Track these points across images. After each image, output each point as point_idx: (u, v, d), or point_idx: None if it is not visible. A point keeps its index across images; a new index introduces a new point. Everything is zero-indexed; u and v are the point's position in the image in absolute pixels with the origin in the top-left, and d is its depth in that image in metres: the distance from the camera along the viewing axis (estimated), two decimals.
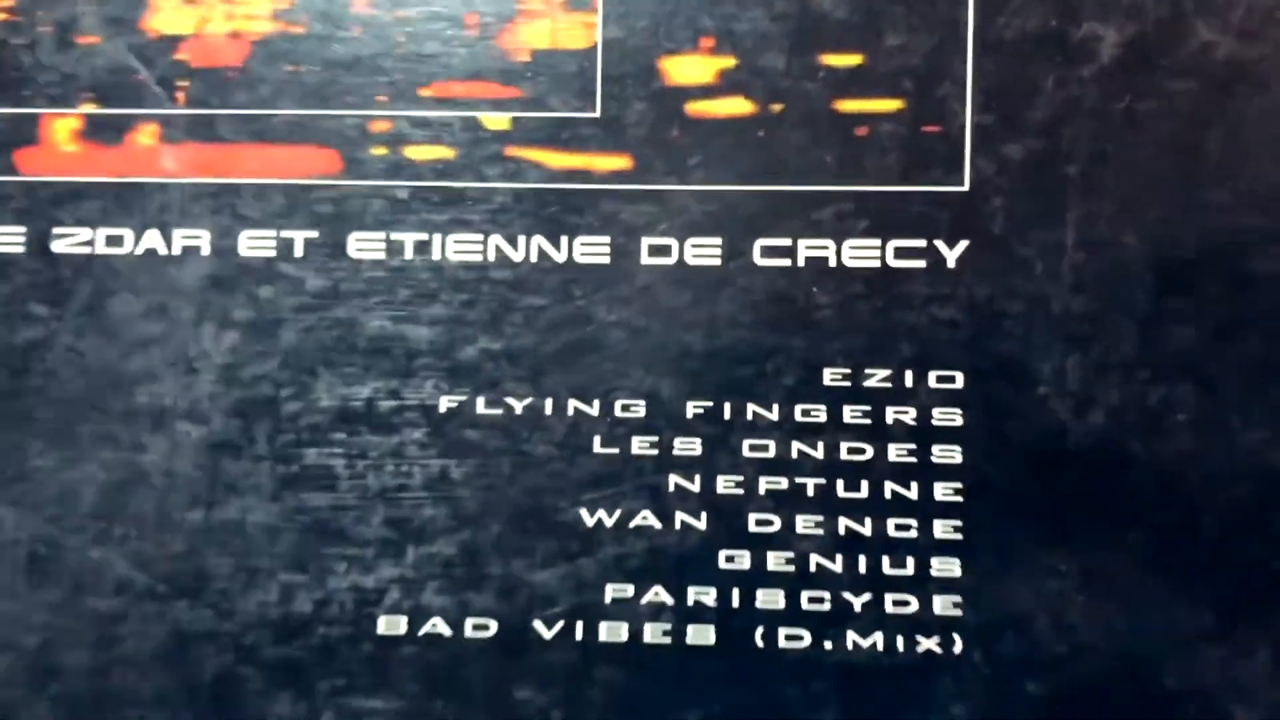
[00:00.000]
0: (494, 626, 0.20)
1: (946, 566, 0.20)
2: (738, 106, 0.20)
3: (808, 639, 0.20)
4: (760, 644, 0.20)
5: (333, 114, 0.20)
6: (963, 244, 0.20)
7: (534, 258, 0.20)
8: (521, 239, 0.20)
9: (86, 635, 0.20)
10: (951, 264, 0.20)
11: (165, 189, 0.21)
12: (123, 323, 0.21)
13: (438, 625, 0.20)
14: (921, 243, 0.20)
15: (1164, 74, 0.20)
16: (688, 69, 0.20)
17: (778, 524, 0.20)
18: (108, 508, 0.20)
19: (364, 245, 0.20)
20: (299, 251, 0.20)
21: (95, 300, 0.21)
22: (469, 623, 0.20)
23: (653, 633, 0.20)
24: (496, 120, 0.20)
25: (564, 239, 0.20)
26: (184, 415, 0.20)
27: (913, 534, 0.20)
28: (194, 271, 0.21)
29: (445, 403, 0.20)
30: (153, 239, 0.21)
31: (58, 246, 0.21)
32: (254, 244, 0.21)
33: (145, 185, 0.21)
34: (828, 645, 0.20)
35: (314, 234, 0.20)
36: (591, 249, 0.20)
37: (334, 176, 0.20)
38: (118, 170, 0.21)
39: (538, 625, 0.20)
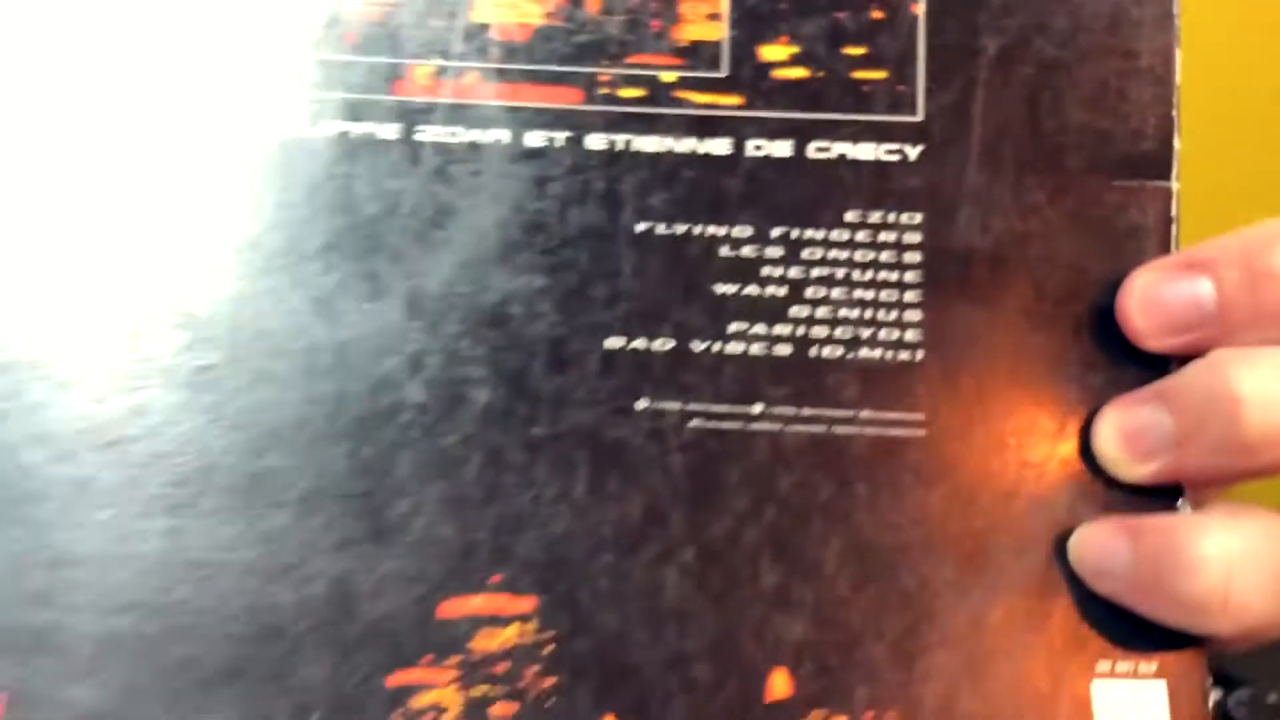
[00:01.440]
0: (672, 343, 0.37)
1: (913, 315, 0.37)
2: (800, 73, 0.38)
3: (841, 351, 0.37)
4: (812, 355, 0.37)
5: (579, 69, 0.38)
6: (920, 147, 0.38)
7: (689, 150, 0.38)
8: (684, 139, 0.38)
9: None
10: (913, 159, 0.38)
11: (483, 108, 0.38)
12: (459, 179, 0.37)
13: (639, 343, 0.37)
14: (896, 146, 0.38)
15: None
16: (773, 52, 0.38)
17: (823, 294, 0.37)
18: (454, 269, 0.37)
19: (596, 141, 0.38)
20: (560, 144, 0.38)
21: (444, 166, 0.37)
22: (656, 341, 0.37)
23: (757, 348, 0.37)
24: (669, 76, 0.38)
25: (706, 139, 0.38)
26: (496, 226, 0.37)
27: (895, 299, 0.37)
28: (501, 151, 0.38)
29: (641, 225, 0.38)
30: (475, 134, 0.38)
31: (418, 137, 0.38)
32: (534, 139, 0.38)
33: (472, 105, 0.38)
34: (850, 355, 0.37)
35: (568, 133, 0.38)
36: (722, 147, 0.38)
37: (578, 104, 0.38)
38: (456, 95, 0.38)
39: (694, 343, 0.37)
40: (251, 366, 0.36)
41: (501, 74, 0.38)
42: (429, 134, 0.38)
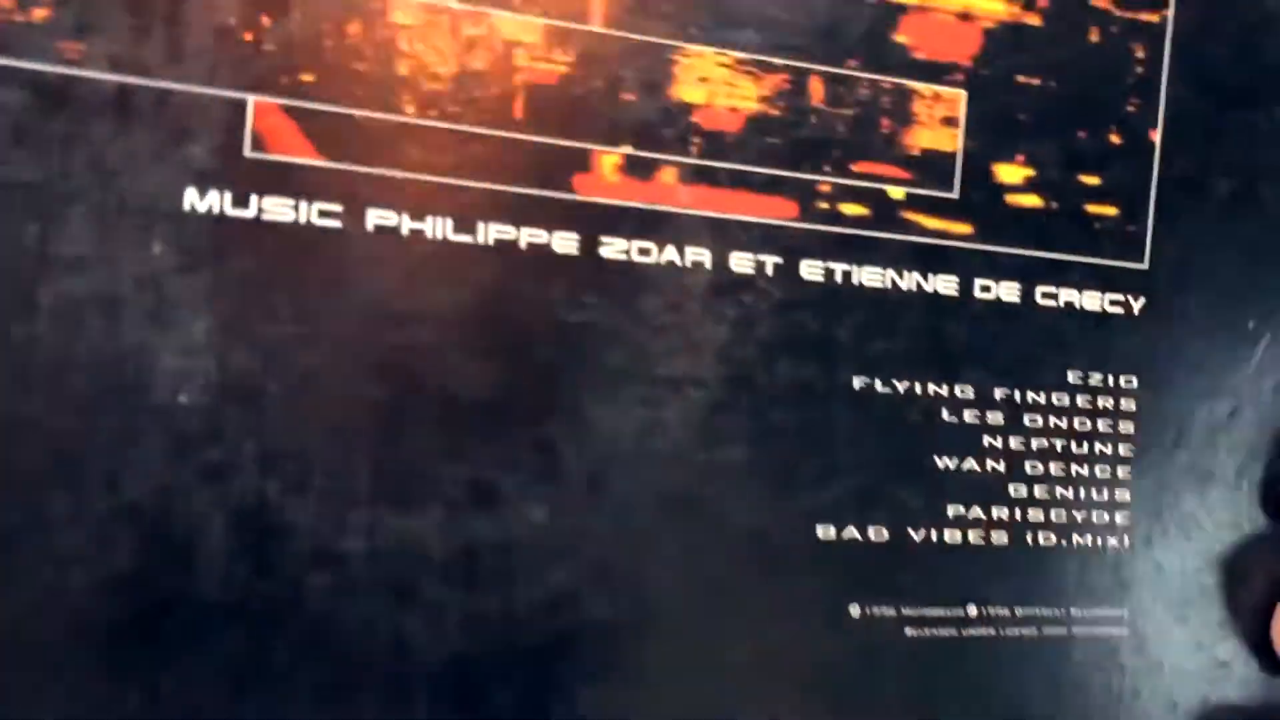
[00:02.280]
0: (886, 533, 0.31)
1: (1123, 495, 0.33)
2: (1033, 200, 0.33)
3: (1054, 539, 0.33)
4: (1030, 543, 0.32)
5: (796, 175, 0.30)
6: (1143, 299, 0.34)
7: (914, 287, 0.31)
8: (907, 273, 0.31)
9: (635, 543, 0.29)
10: (1136, 312, 0.34)
11: (681, 217, 0.29)
12: (650, 314, 0.29)
13: (852, 531, 0.31)
14: (1122, 297, 0.33)
15: None
16: (1009, 173, 0.32)
17: (1041, 469, 0.33)
18: (642, 447, 0.29)
19: (811, 270, 0.30)
20: (769, 271, 0.30)
21: (631, 295, 0.29)
22: (870, 529, 0.31)
23: (974, 537, 0.32)
24: (897, 192, 0.31)
25: (931, 276, 0.32)
26: (691, 382, 0.29)
27: (1108, 475, 0.33)
28: (700, 280, 0.29)
29: (858, 383, 0.31)
30: (671, 253, 0.29)
31: (605, 252, 0.29)
32: (740, 263, 0.30)
33: (668, 212, 0.29)
34: (1064, 543, 0.33)
35: (779, 259, 0.30)
36: (947, 284, 0.32)
37: (793, 220, 0.30)
38: (649, 199, 0.29)
39: (910, 531, 0.31)
40: None
41: (704, 174, 0.30)
42: (615, 248, 0.29)
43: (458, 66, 0.27)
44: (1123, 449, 0.34)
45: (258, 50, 0.26)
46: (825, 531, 0.31)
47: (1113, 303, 0.33)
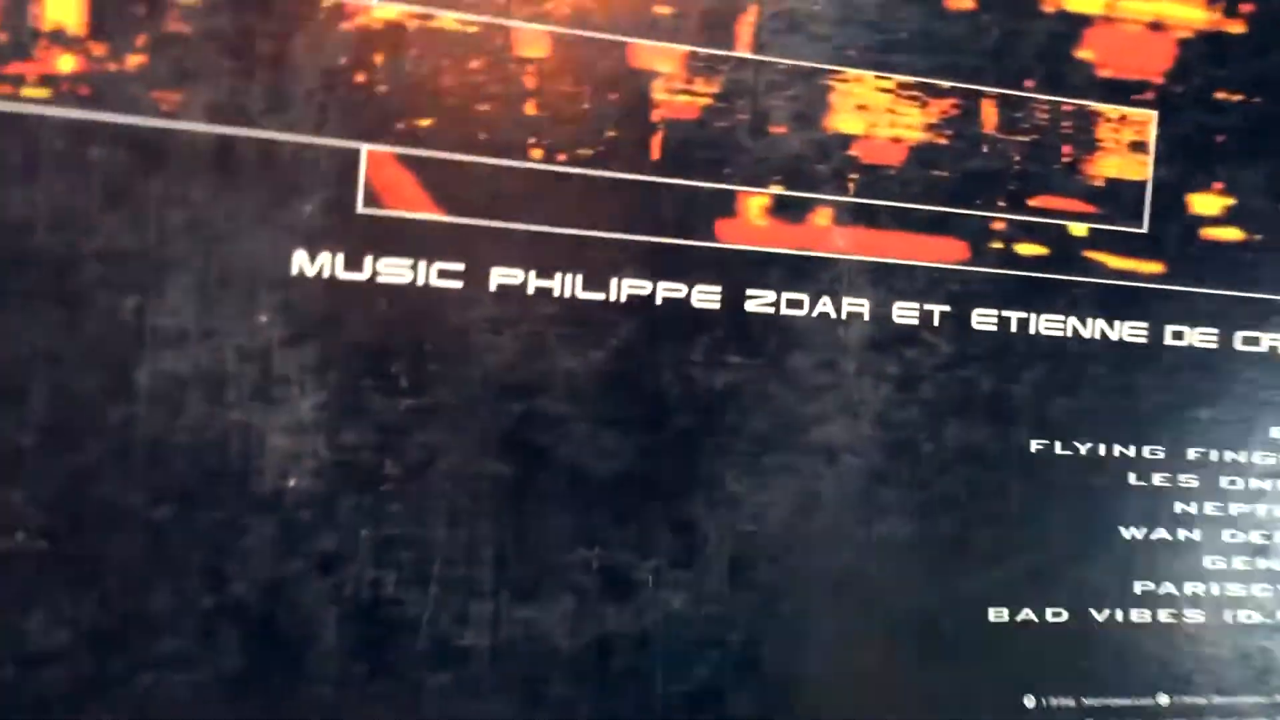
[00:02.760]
0: (1065, 615, 0.28)
1: None
2: (1234, 234, 0.29)
3: (1258, 617, 0.29)
4: (1228, 620, 0.29)
5: (966, 213, 0.27)
6: None
7: (1097, 335, 0.28)
8: (1090, 320, 0.28)
9: (785, 632, 0.26)
10: None
11: (836, 263, 0.26)
12: (801, 373, 0.26)
13: (1028, 614, 0.27)
14: None
15: None
16: (1205, 203, 0.29)
17: (1243, 539, 0.29)
18: (793, 524, 0.26)
19: (983, 319, 0.27)
20: (936, 321, 0.27)
21: (779, 353, 0.26)
22: (1048, 611, 0.28)
23: (1165, 615, 0.28)
24: (1079, 228, 0.28)
25: (1117, 323, 0.28)
26: (848, 450, 0.26)
27: None
28: (857, 333, 0.26)
29: (1034, 445, 0.28)
30: (825, 304, 0.26)
31: (750, 306, 0.26)
32: (903, 313, 0.27)
33: (821, 259, 0.26)
34: (1270, 620, 0.29)
35: (947, 308, 0.27)
36: (1135, 332, 0.28)
37: (963, 263, 0.27)
38: (799, 244, 0.26)
39: (1092, 612, 0.28)
40: None
41: (862, 213, 0.26)
42: (762, 301, 0.26)
43: (589, 103, 0.25)
44: None
45: (370, 94, 0.23)
46: (998, 614, 0.27)
47: None
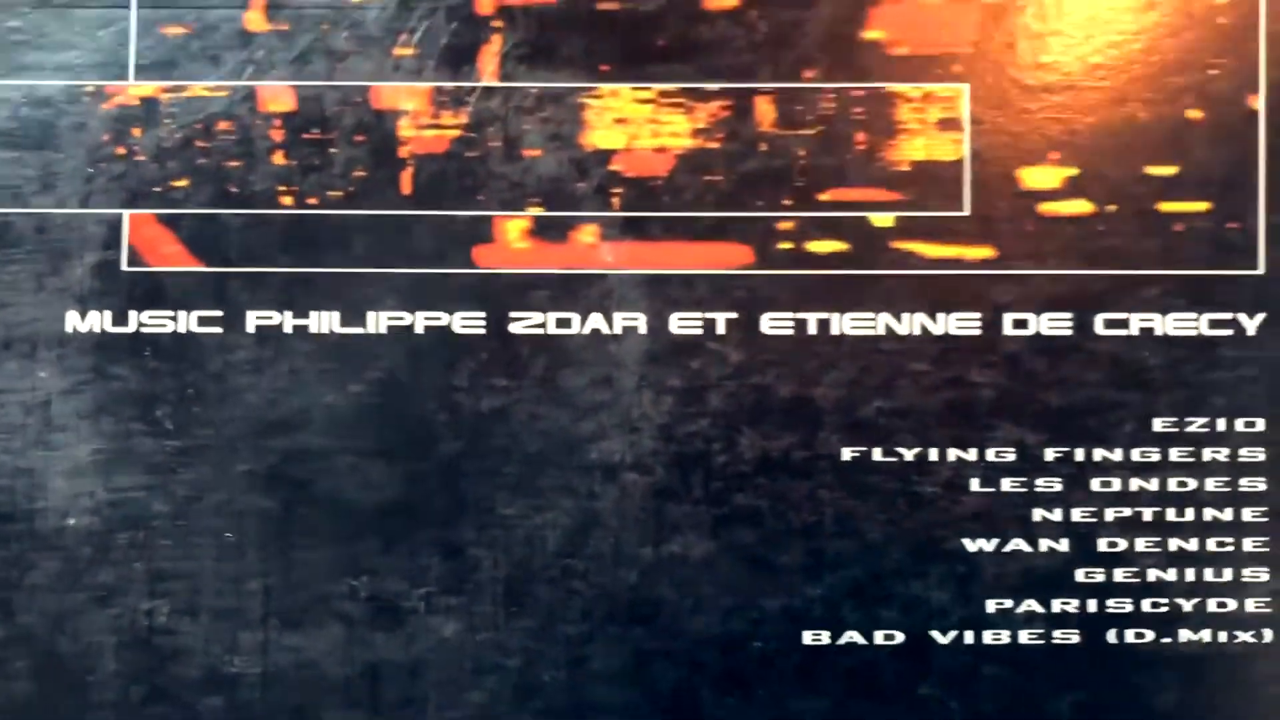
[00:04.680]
0: (899, 636, 0.27)
1: (1256, 574, 0.27)
2: (1081, 206, 0.27)
3: (1150, 636, 0.27)
4: (1113, 641, 0.27)
5: (747, 215, 0.27)
6: (1260, 316, 0.27)
7: (917, 331, 0.27)
8: (906, 315, 0.27)
9: (565, 657, 0.26)
10: (1251, 332, 0.27)
11: (605, 278, 0.27)
12: (574, 392, 0.27)
13: (853, 636, 0.26)
14: (1228, 315, 0.27)
15: None
16: (1040, 176, 0.27)
17: (1123, 545, 0.27)
18: (572, 545, 0.26)
19: (776, 324, 0.27)
20: (721, 329, 0.27)
21: (548, 373, 0.27)
22: (878, 634, 0.26)
23: (1027, 636, 0.27)
24: (883, 219, 0.27)
25: (941, 315, 0.27)
26: (630, 467, 0.27)
27: (1230, 549, 0.27)
28: (633, 347, 0.27)
29: (847, 453, 0.27)
30: (596, 320, 0.27)
31: (515, 328, 0.27)
32: (683, 324, 0.27)
33: (589, 275, 0.27)
34: (1166, 640, 0.27)
35: (733, 315, 0.27)
36: (965, 323, 0.27)
37: (748, 267, 0.27)
38: (564, 263, 0.27)
39: (934, 634, 0.27)
40: None
41: (632, 227, 0.27)
42: (528, 323, 0.27)
43: (337, 148, 0.27)
44: (1249, 515, 0.27)
45: (130, 163, 0.27)
46: (815, 637, 0.27)
47: (1215, 324, 0.27)
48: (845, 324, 0.27)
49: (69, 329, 0.27)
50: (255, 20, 0.27)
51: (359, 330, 0.27)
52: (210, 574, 0.27)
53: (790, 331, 0.27)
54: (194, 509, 0.27)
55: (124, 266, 0.27)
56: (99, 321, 0.27)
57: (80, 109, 0.27)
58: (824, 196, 0.27)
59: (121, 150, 0.27)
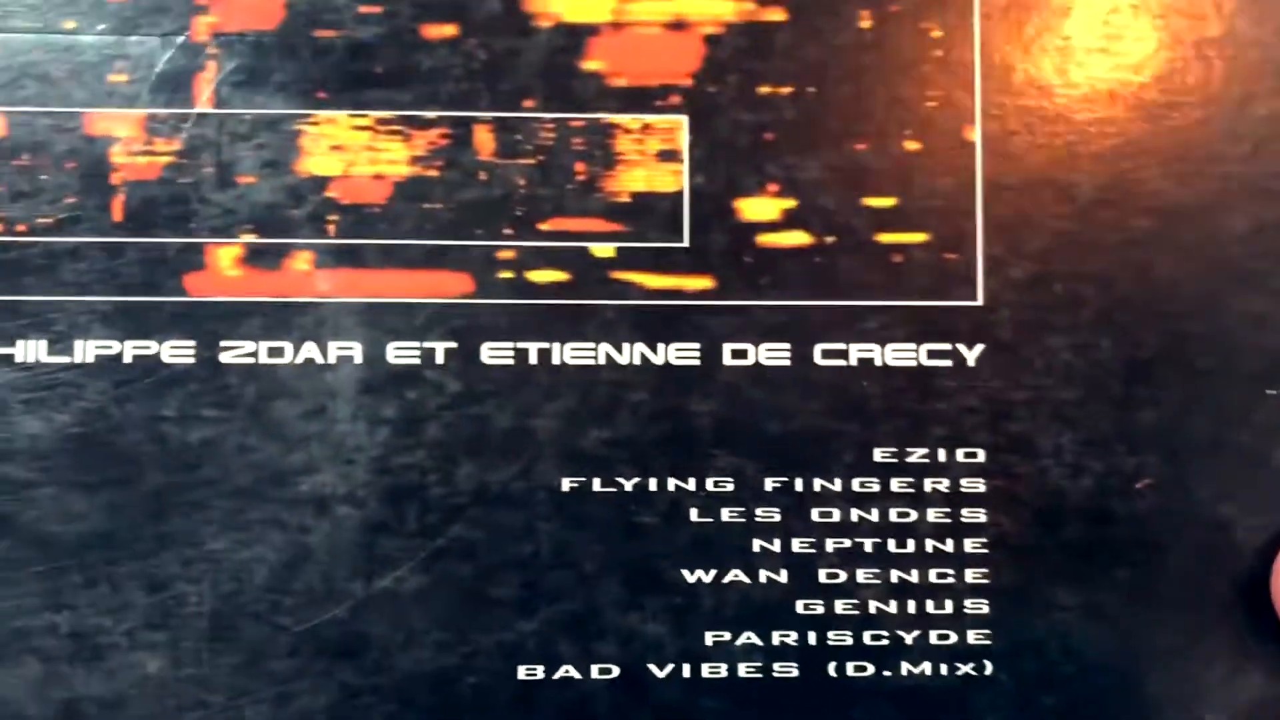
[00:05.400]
0: (615, 670, 0.27)
1: (978, 606, 0.27)
2: (799, 238, 0.27)
3: (871, 669, 0.27)
4: (833, 675, 0.27)
5: (466, 243, 0.27)
6: (979, 347, 0.27)
7: (637, 361, 0.27)
8: (626, 346, 0.27)
9: (272, 693, 0.26)
10: (971, 363, 0.27)
11: (319, 306, 0.27)
12: (285, 423, 0.27)
13: (568, 670, 0.26)
14: (948, 346, 0.27)
15: (1131, 213, 0.28)
16: (758, 208, 0.27)
17: (843, 576, 0.27)
18: (280, 580, 0.26)
19: (495, 353, 0.27)
20: (439, 359, 0.27)
21: (260, 404, 0.27)
22: (594, 668, 0.26)
23: (746, 669, 0.27)
24: (603, 249, 0.27)
25: (661, 346, 0.27)
26: (342, 500, 0.27)
27: (950, 580, 0.27)
28: (348, 377, 0.27)
29: (566, 483, 0.27)
30: (309, 350, 0.27)
31: (225, 358, 0.27)
32: (400, 353, 0.27)
33: (303, 303, 0.27)
34: (887, 673, 0.27)
35: (452, 344, 0.27)
36: (684, 353, 0.27)
37: (467, 296, 0.27)
38: (277, 291, 0.27)
39: (651, 667, 0.27)
40: None
41: (348, 255, 0.27)
42: (239, 352, 0.27)
43: (48, 174, 0.27)
44: (970, 545, 0.27)
45: None
46: (529, 672, 0.27)
47: (934, 354, 0.28)
48: (566, 353, 0.27)
49: None
50: None
51: (66, 359, 0.27)
52: None
53: (510, 361, 0.27)
54: None
55: None
56: None
57: None
58: (544, 226, 0.28)
59: None
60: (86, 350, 0.27)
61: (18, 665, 0.26)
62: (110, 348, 0.27)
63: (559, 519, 0.27)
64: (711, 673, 0.27)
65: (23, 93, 0.27)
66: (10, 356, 0.27)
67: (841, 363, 0.28)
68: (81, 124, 0.27)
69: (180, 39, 0.27)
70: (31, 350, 0.27)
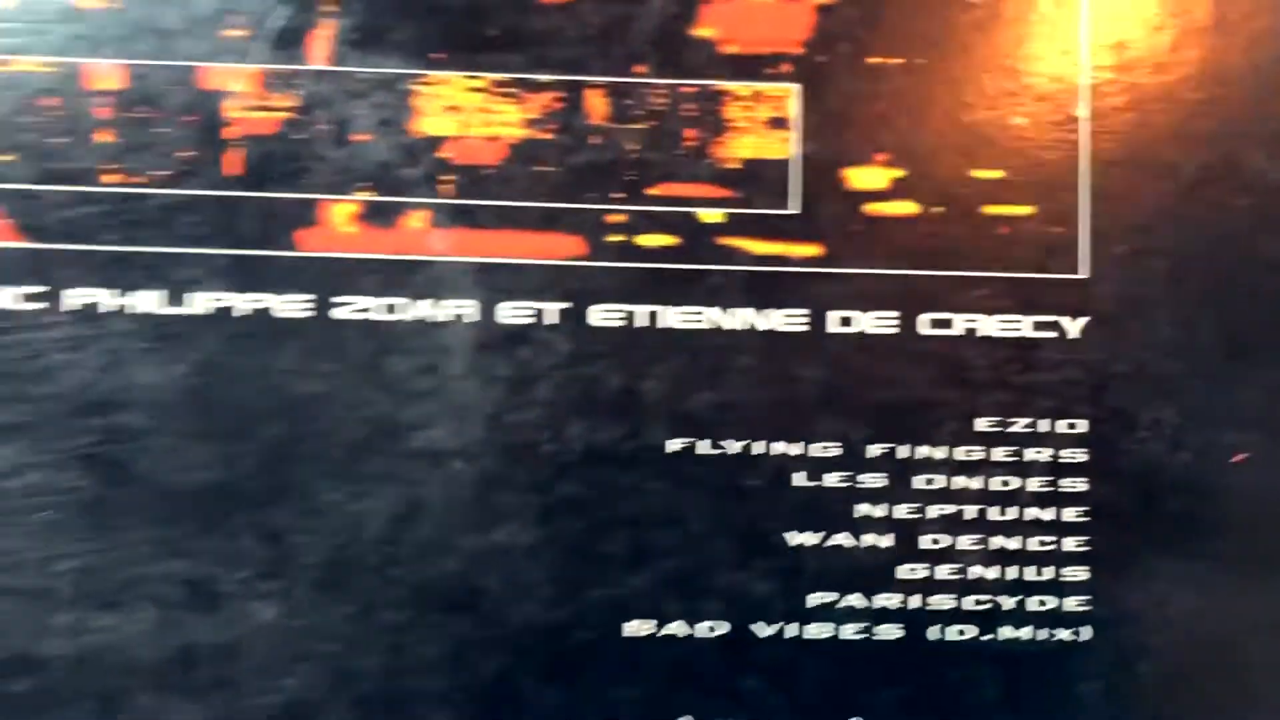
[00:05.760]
0: (722, 628, 0.27)
1: (1076, 573, 0.28)
2: (907, 208, 0.28)
3: (971, 633, 0.27)
4: (934, 638, 0.27)
5: (578, 207, 0.28)
6: (1083, 320, 0.28)
7: (744, 326, 0.28)
8: (733, 310, 0.28)
9: (385, 644, 0.26)
10: (1073, 335, 0.28)
11: (434, 265, 0.27)
12: (400, 378, 0.27)
13: (676, 627, 0.27)
14: (1051, 318, 0.28)
15: (1233, 192, 0.28)
16: (867, 177, 0.28)
17: (945, 542, 0.28)
18: (394, 533, 0.27)
19: (605, 315, 0.27)
20: (551, 319, 0.27)
21: (373, 359, 0.27)
22: (701, 625, 0.27)
23: (849, 632, 0.27)
24: (712, 215, 0.28)
25: (768, 311, 0.28)
26: (456, 455, 0.27)
27: (1050, 548, 0.28)
28: (462, 335, 0.27)
29: (673, 445, 0.27)
30: (424, 307, 0.27)
31: (339, 313, 0.27)
32: (513, 313, 0.27)
33: (418, 261, 0.27)
34: (986, 637, 0.27)
35: (563, 305, 0.27)
36: (791, 319, 0.28)
37: (579, 258, 0.28)
38: (393, 248, 0.27)
39: (755, 627, 0.27)
40: None
41: (463, 215, 0.28)
42: (354, 309, 0.27)
43: (164, 127, 0.27)
44: (1069, 515, 0.28)
45: None
46: (636, 627, 0.27)
47: (1038, 326, 0.28)
48: (674, 317, 0.28)
49: None
50: None
51: (180, 310, 0.27)
52: (21, 554, 0.26)
53: (620, 323, 0.28)
54: (7, 487, 0.27)
55: None
56: None
57: None
58: (654, 191, 0.28)
59: None
60: (200, 302, 0.27)
61: (135, 611, 0.27)
62: (224, 300, 0.27)
63: (666, 479, 0.28)
64: (815, 634, 0.28)
65: (140, 45, 0.28)
66: (126, 307, 0.27)
67: (946, 332, 0.28)
68: (195, 77, 0.28)
69: None
70: (147, 301, 0.27)
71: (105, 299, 0.27)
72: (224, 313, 0.27)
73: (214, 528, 0.27)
